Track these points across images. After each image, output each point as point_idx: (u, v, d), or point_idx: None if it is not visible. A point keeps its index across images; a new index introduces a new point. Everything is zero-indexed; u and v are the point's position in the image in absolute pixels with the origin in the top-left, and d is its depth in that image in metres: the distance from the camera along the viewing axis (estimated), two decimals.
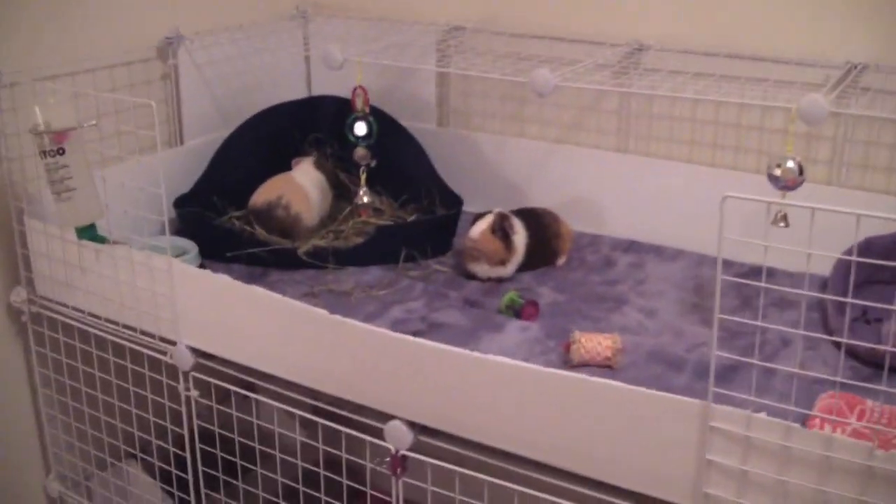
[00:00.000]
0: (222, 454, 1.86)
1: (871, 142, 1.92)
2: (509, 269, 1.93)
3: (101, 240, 1.78)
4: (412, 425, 1.54)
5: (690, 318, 1.78)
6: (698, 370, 1.59)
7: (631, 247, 2.07)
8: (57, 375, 2.02)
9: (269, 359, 1.67)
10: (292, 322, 1.61)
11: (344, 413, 1.64)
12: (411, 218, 2.09)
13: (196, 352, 1.75)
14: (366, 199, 2.08)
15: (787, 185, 1.50)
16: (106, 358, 1.90)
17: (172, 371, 1.80)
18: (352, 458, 1.68)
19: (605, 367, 1.60)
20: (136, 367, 1.86)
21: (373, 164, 2.05)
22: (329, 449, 1.70)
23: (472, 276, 1.94)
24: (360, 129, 2.00)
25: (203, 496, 1.92)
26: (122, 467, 2.11)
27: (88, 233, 1.77)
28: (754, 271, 1.91)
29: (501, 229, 1.90)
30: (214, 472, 1.88)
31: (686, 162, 2.08)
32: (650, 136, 2.12)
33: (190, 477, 1.89)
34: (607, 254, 2.04)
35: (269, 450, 1.79)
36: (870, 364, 1.60)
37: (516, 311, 1.79)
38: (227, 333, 1.71)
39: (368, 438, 1.58)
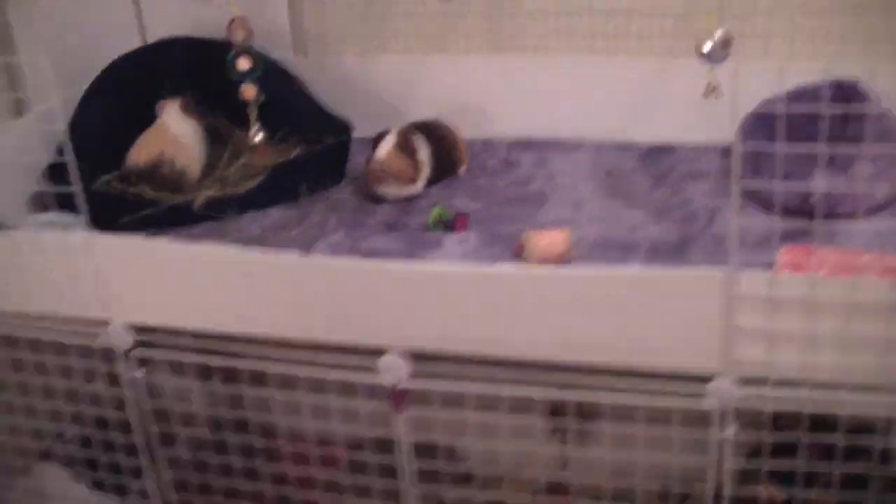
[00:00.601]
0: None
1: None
2: (419, 185, 1.91)
3: None
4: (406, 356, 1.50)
5: (616, 203, 1.82)
6: (652, 249, 1.64)
7: (528, 145, 2.08)
8: None
9: (232, 318, 1.57)
10: (258, 273, 1.52)
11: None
12: (296, 152, 2.00)
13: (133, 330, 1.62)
14: (258, 138, 1.97)
15: (715, 58, 1.56)
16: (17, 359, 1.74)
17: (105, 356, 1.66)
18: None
19: (563, 263, 1.61)
20: (59, 359, 1.71)
21: (262, 99, 1.94)
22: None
23: (380, 199, 1.90)
24: (244, 63, 1.88)
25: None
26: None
27: None
28: (654, 150, 1.97)
29: (407, 147, 1.87)
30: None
31: (565, 53, 2.09)
32: (524, 34, 2.11)
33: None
34: (505, 156, 2.05)
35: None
36: (799, 215, 1.69)
37: (447, 225, 1.77)
38: (173, 302, 1.59)
39: (360, 379, 1.52)
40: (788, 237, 1.52)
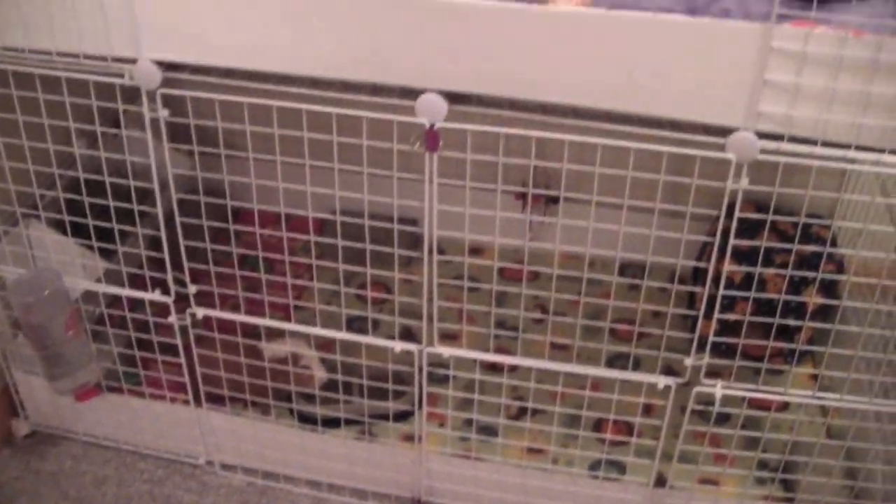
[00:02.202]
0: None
1: None
2: None
3: None
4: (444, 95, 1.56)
5: None
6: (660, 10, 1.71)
7: None
8: None
9: (265, 55, 1.59)
10: (298, 8, 1.54)
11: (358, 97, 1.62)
12: None
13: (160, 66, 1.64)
14: None
15: None
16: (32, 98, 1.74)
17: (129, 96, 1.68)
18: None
19: None
20: (78, 100, 1.71)
21: None
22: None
23: None
24: None
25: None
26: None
27: None
28: None
29: None
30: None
31: None
32: None
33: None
34: None
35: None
36: None
37: None
38: (202, 37, 1.60)
39: (398, 118, 1.58)
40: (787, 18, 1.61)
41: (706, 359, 1.74)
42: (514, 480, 2.05)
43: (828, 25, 1.42)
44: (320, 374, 2.08)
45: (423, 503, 2.14)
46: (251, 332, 1.98)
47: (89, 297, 2.07)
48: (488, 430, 2.12)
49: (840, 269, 2.21)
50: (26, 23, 1.64)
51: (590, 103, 1.52)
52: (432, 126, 1.56)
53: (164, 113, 1.67)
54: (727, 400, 1.78)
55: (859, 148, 1.47)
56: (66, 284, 1.94)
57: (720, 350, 2.14)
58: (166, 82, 1.65)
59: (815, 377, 2.30)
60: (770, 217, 1.65)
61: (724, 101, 1.47)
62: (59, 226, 2.03)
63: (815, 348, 2.10)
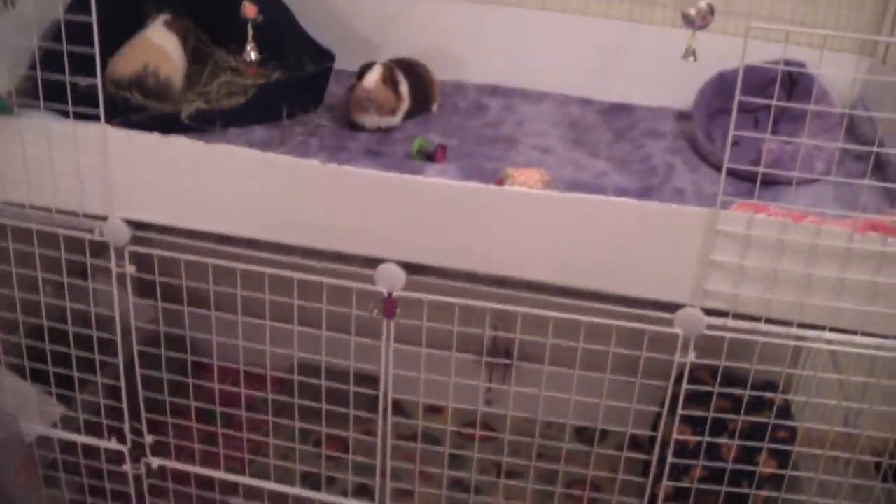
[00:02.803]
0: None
1: None
2: (398, 117, 2.01)
3: (5, 108, 1.65)
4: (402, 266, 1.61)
5: (581, 153, 1.97)
6: (619, 194, 1.78)
7: (496, 91, 2.20)
8: None
9: (233, 220, 1.65)
10: (272, 176, 1.60)
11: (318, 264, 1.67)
12: (276, 75, 2.07)
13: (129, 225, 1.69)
14: (253, 56, 2.02)
15: (699, 24, 1.71)
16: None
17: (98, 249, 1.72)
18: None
19: None
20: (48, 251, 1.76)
21: (260, 19, 2.00)
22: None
23: (359, 128, 1.99)
24: None
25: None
26: None
27: None
28: (615, 107, 2.12)
29: (392, 79, 1.97)
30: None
31: (539, 9, 2.21)
32: None
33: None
34: (476, 99, 2.17)
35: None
36: (746, 180, 1.87)
37: (428, 155, 1.88)
38: (173, 200, 1.66)
39: (356, 285, 1.62)
40: (738, 196, 1.68)
41: None
42: None
43: (770, 210, 1.49)
44: None
45: None
46: (206, 484, 1.98)
47: (44, 441, 2.06)
48: None
49: (793, 437, 2.23)
50: (2, 173, 1.68)
51: (544, 278, 1.57)
52: (390, 294, 1.60)
53: (130, 269, 1.71)
54: None
55: (803, 325, 1.52)
56: (21, 428, 1.93)
57: None
58: (135, 240, 1.69)
59: None
60: (717, 388, 1.69)
61: (673, 279, 1.53)
62: (18, 370, 2.04)
63: None
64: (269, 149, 1.85)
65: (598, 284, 1.56)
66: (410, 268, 1.60)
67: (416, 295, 1.61)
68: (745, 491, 2.07)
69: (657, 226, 1.50)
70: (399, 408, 2.31)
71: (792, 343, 1.55)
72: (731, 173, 1.86)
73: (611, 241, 1.53)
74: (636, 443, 2.42)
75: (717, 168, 1.78)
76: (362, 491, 1.96)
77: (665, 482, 1.78)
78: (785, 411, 2.23)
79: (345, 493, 1.88)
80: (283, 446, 2.12)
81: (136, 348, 1.81)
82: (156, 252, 1.70)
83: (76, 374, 1.90)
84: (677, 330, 1.54)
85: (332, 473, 2.03)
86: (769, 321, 1.54)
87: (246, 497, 2.01)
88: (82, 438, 2.00)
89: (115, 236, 1.68)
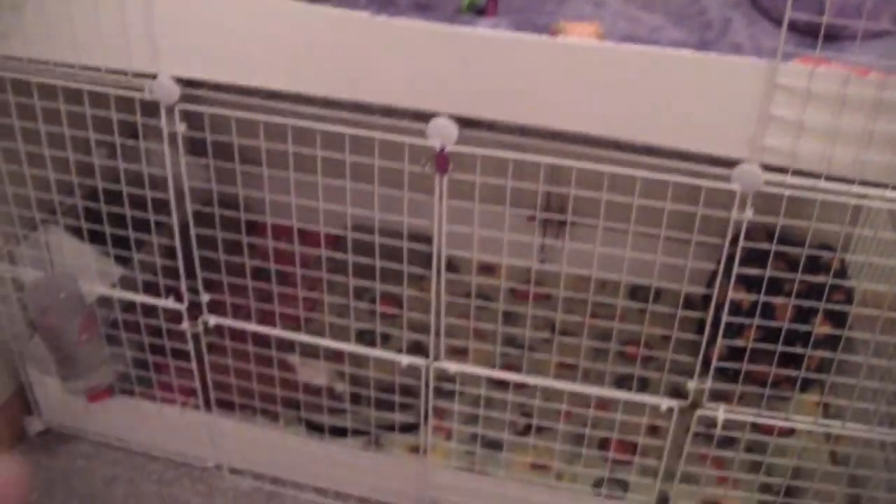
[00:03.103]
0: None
1: None
2: None
3: None
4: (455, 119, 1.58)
5: (635, 7, 1.90)
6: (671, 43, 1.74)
7: None
8: None
9: (282, 75, 1.62)
10: (322, 30, 1.57)
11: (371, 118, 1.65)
12: None
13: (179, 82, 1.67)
14: None
15: None
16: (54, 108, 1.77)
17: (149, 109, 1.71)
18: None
19: None
20: (99, 111, 1.75)
21: None
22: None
23: None
24: None
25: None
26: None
27: None
28: None
29: None
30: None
31: None
32: None
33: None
34: None
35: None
36: (807, 34, 1.80)
37: (479, 10, 1.83)
38: (224, 56, 1.64)
39: (409, 140, 1.61)
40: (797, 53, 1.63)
41: (709, 382, 1.75)
42: (518, 495, 2.07)
43: (832, 64, 1.44)
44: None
45: None
46: (262, 341, 2.01)
47: (104, 301, 2.10)
48: (494, 445, 2.14)
49: (849, 298, 2.22)
50: (50, 36, 1.67)
51: (599, 132, 1.54)
52: (443, 149, 1.58)
53: (181, 128, 1.70)
54: (733, 423, 1.80)
55: (864, 183, 1.49)
56: (81, 289, 1.97)
57: (728, 375, 2.16)
58: (185, 98, 1.68)
59: (820, 404, 2.31)
60: (773, 247, 1.66)
61: (731, 134, 1.49)
62: (76, 232, 2.07)
63: (820, 376, 2.10)
64: (318, 1, 1.84)
65: (654, 139, 1.53)
66: (463, 122, 1.57)
67: (469, 149, 1.58)
68: (800, 351, 2.06)
69: (715, 79, 1.46)
70: (453, 266, 2.32)
71: (852, 202, 1.51)
72: (793, 27, 1.81)
73: (667, 95, 1.49)
74: (690, 302, 2.43)
75: (777, 23, 1.72)
76: (416, 348, 1.98)
77: (719, 341, 1.78)
78: (841, 273, 2.21)
79: (399, 350, 1.89)
80: (338, 304, 2.16)
81: (189, 208, 1.81)
82: (206, 109, 1.68)
83: (132, 235, 1.92)
84: (734, 186, 1.51)
85: (387, 330, 2.05)
86: (829, 178, 1.49)
87: (302, 354, 2.04)
88: (140, 298, 2.03)
89: (164, 94, 1.66)
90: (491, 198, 1.71)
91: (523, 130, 1.60)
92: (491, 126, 1.59)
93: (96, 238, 2.03)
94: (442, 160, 1.58)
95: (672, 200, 1.58)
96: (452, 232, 1.69)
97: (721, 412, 1.78)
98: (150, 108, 1.73)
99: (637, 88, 1.49)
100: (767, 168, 1.51)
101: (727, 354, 2.13)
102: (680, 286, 1.69)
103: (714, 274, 2.41)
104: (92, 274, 2.06)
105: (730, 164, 1.51)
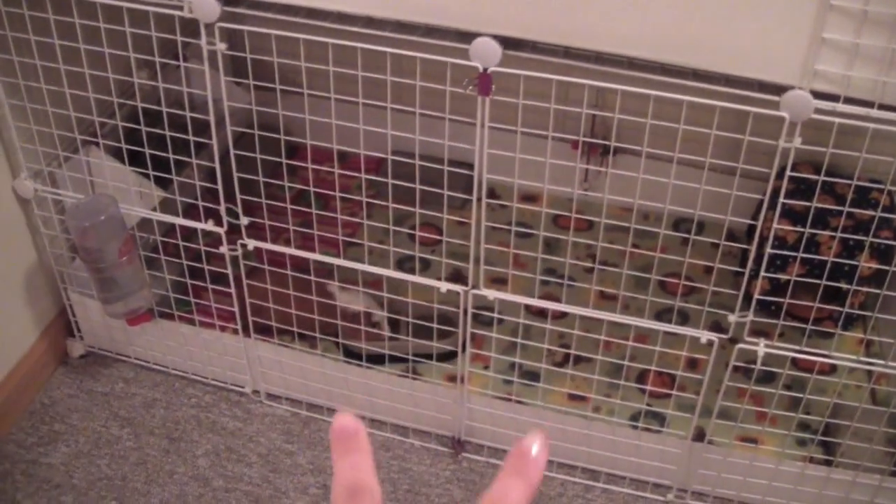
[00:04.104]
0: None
1: None
2: None
3: None
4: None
5: None
6: None
7: None
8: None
9: None
10: None
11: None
12: None
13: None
14: None
15: None
16: (94, 27, 1.76)
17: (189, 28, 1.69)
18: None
19: None
20: (139, 30, 1.74)
21: None
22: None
23: None
24: None
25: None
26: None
27: None
28: None
29: None
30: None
31: None
32: None
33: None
34: None
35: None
36: None
37: None
38: None
39: (451, 60, 1.58)
40: None
41: (750, 316, 1.73)
42: (554, 425, 2.07)
43: None
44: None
45: (462, 443, 2.16)
46: (301, 267, 2.01)
47: (144, 224, 2.11)
48: (531, 375, 2.14)
49: None
50: None
51: (645, 55, 1.51)
52: (485, 70, 1.56)
53: (221, 46, 1.68)
54: (774, 359, 1.78)
55: None
56: (121, 211, 1.97)
57: (770, 310, 2.13)
58: (225, 16, 1.66)
59: (863, 342, 2.28)
60: (822, 178, 1.63)
61: (781, 59, 1.45)
62: (117, 154, 2.07)
63: (864, 313, 2.08)
64: None
65: (700, 62, 1.49)
66: (507, 42, 1.54)
67: (512, 70, 1.56)
68: (845, 287, 2.03)
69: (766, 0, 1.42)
70: (494, 194, 2.30)
71: None
72: None
73: (715, 16, 1.45)
74: (733, 236, 2.40)
75: None
76: (456, 276, 1.98)
77: (762, 275, 1.75)
78: (890, 209, 2.17)
79: (438, 278, 1.88)
80: (379, 229, 2.15)
81: (229, 129, 1.80)
82: (246, 28, 1.66)
83: (172, 157, 1.92)
84: (783, 113, 1.47)
85: (427, 256, 2.04)
86: (882, 107, 1.45)
87: (341, 280, 2.04)
88: (180, 221, 2.03)
89: (204, 12, 1.64)
90: (534, 123, 1.69)
91: (567, 52, 1.56)
92: (535, 47, 1.56)
93: (137, 160, 2.03)
94: (485, 81, 1.56)
95: (718, 128, 1.55)
96: (494, 157, 1.67)
97: (761, 347, 1.76)
98: (191, 28, 1.71)
99: (685, 10, 1.45)
100: (817, 95, 1.46)
101: (770, 289, 2.10)
102: (724, 218, 1.66)
103: (759, 206, 2.38)
104: (132, 197, 2.06)
105: (779, 90, 1.47)
